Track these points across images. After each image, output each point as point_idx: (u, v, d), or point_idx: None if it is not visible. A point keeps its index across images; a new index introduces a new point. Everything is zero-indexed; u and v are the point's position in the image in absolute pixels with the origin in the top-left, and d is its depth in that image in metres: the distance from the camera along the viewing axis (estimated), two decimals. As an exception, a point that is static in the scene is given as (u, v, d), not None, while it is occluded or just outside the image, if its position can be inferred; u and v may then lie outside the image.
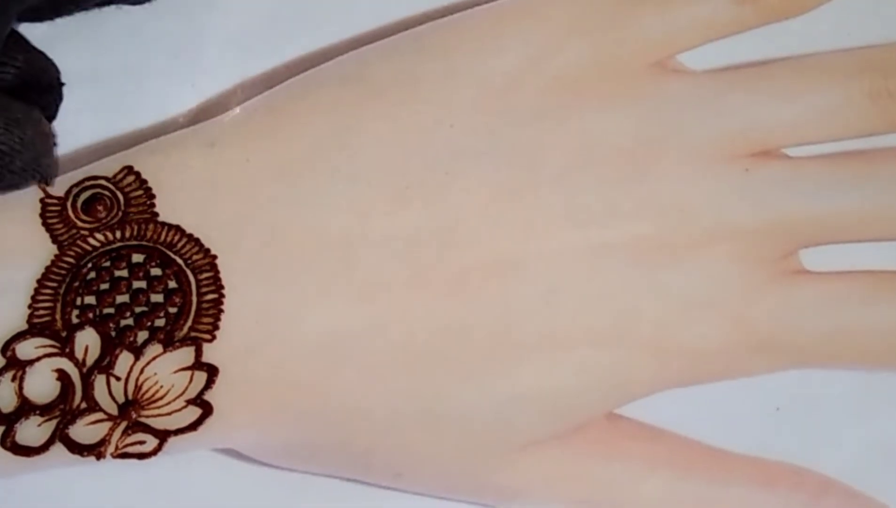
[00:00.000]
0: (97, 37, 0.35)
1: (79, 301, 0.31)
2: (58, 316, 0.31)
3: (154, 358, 0.31)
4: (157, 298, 0.31)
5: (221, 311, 0.31)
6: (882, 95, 0.34)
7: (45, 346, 0.31)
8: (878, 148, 0.35)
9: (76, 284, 0.31)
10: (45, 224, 0.32)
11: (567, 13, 0.34)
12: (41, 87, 0.30)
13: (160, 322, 0.31)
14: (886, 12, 0.37)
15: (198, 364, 0.31)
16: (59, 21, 0.33)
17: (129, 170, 0.32)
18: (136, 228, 0.32)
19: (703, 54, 0.35)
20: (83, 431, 0.31)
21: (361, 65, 0.34)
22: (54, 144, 0.31)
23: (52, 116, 0.31)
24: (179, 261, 0.32)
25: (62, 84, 0.31)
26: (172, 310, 0.31)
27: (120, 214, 0.32)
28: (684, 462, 0.35)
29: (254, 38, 0.37)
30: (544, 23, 0.34)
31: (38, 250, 0.31)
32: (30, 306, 0.31)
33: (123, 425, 0.31)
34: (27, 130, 0.29)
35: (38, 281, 0.31)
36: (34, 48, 0.31)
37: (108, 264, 0.31)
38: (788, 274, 0.34)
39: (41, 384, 0.31)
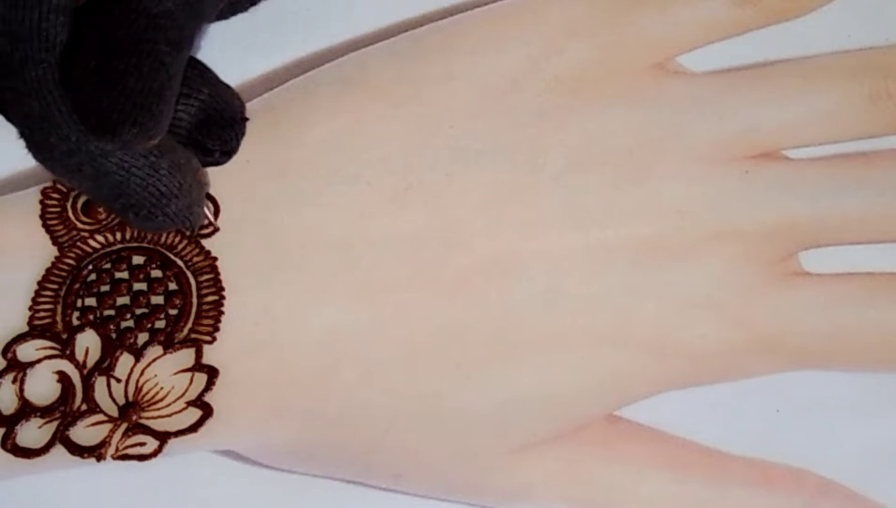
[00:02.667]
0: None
1: (79, 303, 0.31)
2: (58, 318, 0.31)
3: (154, 360, 0.31)
4: (157, 300, 0.31)
5: (222, 313, 0.31)
6: (882, 97, 0.34)
7: (45, 348, 0.31)
8: (877, 150, 0.35)
9: (76, 286, 0.31)
10: (45, 226, 0.32)
11: (567, 14, 0.34)
12: (224, 121, 0.30)
13: (160, 324, 0.31)
14: (887, 14, 0.37)
15: (198, 366, 0.31)
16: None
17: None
18: (136, 230, 0.32)
19: (703, 56, 0.35)
20: (83, 433, 0.31)
21: (361, 66, 0.34)
22: (207, 195, 0.31)
23: (232, 151, 0.31)
24: (180, 263, 0.32)
25: (245, 119, 0.31)
26: (173, 312, 0.31)
27: (120, 215, 0.32)
28: (684, 463, 0.35)
29: (254, 38, 0.37)
30: (544, 24, 0.34)
31: (38, 251, 0.32)
32: (30, 308, 0.31)
33: (124, 427, 0.31)
34: (187, 177, 0.30)
35: (39, 283, 0.31)
36: (219, 81, 0.31)
37: (108, 265, 0.32)
38: (788, 276, 0.34)
39: (42, 385, 0.31)
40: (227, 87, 0.31)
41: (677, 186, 0.33)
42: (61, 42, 0.27)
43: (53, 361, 0.31)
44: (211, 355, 0.31)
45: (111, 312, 0.31)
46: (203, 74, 0.30)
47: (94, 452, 0.31)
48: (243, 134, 0.31)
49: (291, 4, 0.37)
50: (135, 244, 0.32)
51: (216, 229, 0.32)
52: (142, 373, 0.31)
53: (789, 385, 0.35)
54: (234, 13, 0.32)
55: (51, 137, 0.28)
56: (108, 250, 0.32)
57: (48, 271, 0.31)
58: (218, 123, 0.30)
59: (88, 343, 0.31)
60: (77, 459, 0.31)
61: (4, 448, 0.31)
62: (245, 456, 0.34)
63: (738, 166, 0.34)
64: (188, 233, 0.32)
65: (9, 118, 0.28)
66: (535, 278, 0.33)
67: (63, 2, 0.27)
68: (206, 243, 0.32)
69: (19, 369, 0.31)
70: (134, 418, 0.31)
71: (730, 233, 0.33)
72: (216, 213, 0.32)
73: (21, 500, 0.34)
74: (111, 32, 0.27)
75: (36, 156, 0.28)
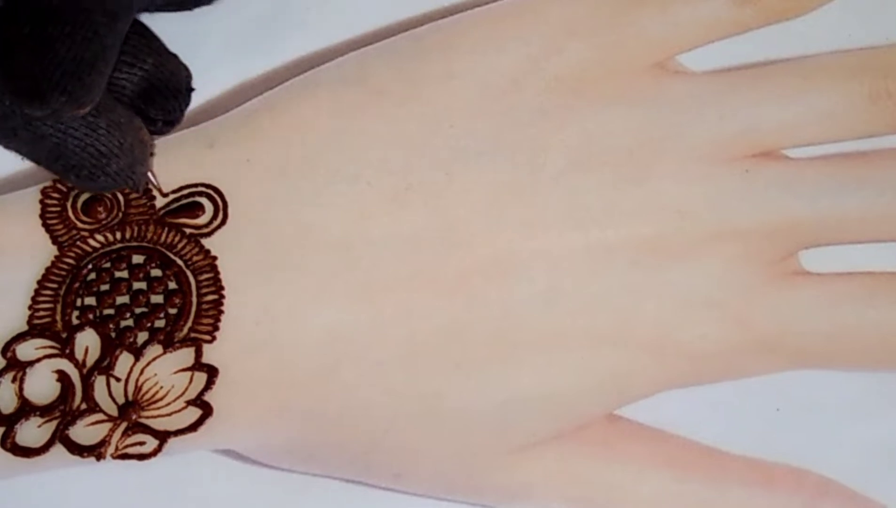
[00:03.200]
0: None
1: (79, 302, 0.31)
2: (58, 317, 0.31)
3: (154, 359, 0.31)
4: (157, 299, 0.31)
5: (221, 312, 0.31)
6: (882, 97, 0.34)
7: (45, 347, 0.31)
8: (878, 149, 0.35)
9: (76, 285, 0.31)
10: (45, 225, 0.32)
11: (567, 14, 0.34)
12: (168, 91, 0.30)
13: (160, 323, 0.31)
14: (887, 13, 0.37)
15: (198, 365, 0.31)
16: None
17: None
18: (136, 229, 0.32)
19: (703, 55, 0.35)
20: (83, 432, 0.31)
21: (361, 65, 0.34)
22: (151, 154, 0.31)
23: (175, 121, 0.31)
24: (179, 262, 0.32)
25: (191, 90, 0.31)
26: (172, 311, 0.31)
27: (120, 215, 0.32)
28: (684, 462, 0.35)
29: (254, 38, 0.37)
30: (544, 24, 0.34)
31: (38, 251, 0.32)
32: (30, 307, 0.31)
33: (123, 426, 0.31)
34: (127, 136, 0.29)
35: (39, 282, 0.31)
36: (166, 50, 0.31)
37: (108, 265, 0.32)
38: (788, 275, 0.34)
39: (41, 385, 0.31)
40: (174, 56, 0.31)
41: (677, 185, 0.33)
42: None
43: (53, 360, 0.31)
44: (211, 354, 0.31)
45: (111, 311, 0.31)
46: (150, 42, 0.30)
47: (94, 451, 0.31)
48: (187, 104, 0.31)
49: (292, 3, 0.37)
50: (135, 244, 0.32)
51: (165, 195, 0.32)
52: (141, 372, 0.31)
53: (789, 385, 0.35)
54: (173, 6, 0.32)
55: None
56: (108, 249, 0.32)
57: (48, 270, 0.31)
58: (161, 93, 0.30)
59: (88, 342, 0.31)
60: (77, 458, 0.31)
61: (4, 447, 0.31)
62: (245, 456, 0.34)
63: (738, 166, 0.34)
64: (134, 192, 0.31)
65: None
66: (535, 278, 0.33)
67: None
68: (205, 242, 0.32)
69: (19, 368, 0.31)
70: (134, 417, 0.31)
71: (730, 233, 0.33)
72: (224, 207, 0.32)
73: (21, 499, 0.34)
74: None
75: None
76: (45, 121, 0.28)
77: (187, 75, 0.31)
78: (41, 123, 0.28)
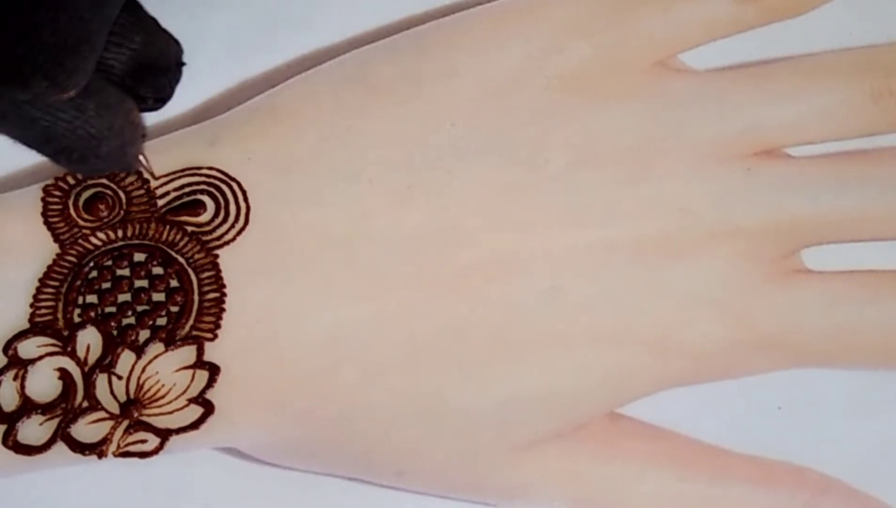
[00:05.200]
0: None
1: (80, 300, 0.31)
2: (59, 315, 0.31)
3: (156, 357, 0.31)
4: (158, 297, 0.31)
5: (223, 310, 0.31)
6: (883, 95, 0.34)
7: (46, 345, 0.31)
8: (879, 148, 0.35)
9: (78, 283, 0.31)
10: (46, 223, 0.32)
11: (569, 12, 0.34)
12: (157, 68, 0.30)
13: (162, 321, 0.31)
14: (887, 12, 0.37)
15: (199, 363, 0.31)
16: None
17: (130, 169, 0.32)
18: (137, 227, 0.32)
19: (704, 54, 0.35)
20: (85, 430, 0.31)
21: (363, 64, 0.34)
22: (143, 136, 0.30)
23: (166, 98, 0.30)
24: (181, 260, 0.32)
25: (182, 64, 0.30)
26: (174, 309, 0.31)
27: (122, 213, 0.32)
28: (685, 461, 0.35)
29: (254, 37, 0.37)
30: (546, 22, 0.34)
31: (39, 248, 0.32)
32: (31, 305, 0.31)
33: (125, 424, 0.31)
34: (118, 118, 0.29)
35: (40, 280, 0.31)
36: (156, 26, 0.30)
37: (109, 262, 0.31)
38: (790, 273, 0.34)
39: (43, 383, 0.31)
40: (164, 32, 0.30)
41: (679, 184, 0.33)
42: None
43: (55, 358, 0.31)
44: (212, 352, 0.31)
45: (112, 309, 0.31)
46: (139, 20, 0.29)
47: (96, 449, 0.31)
48: (178, 80, 0.30)
49: (293, 2, 0.37)
50: (136, 241, 0.32)
51: (156, 178, 0.32)
52: (143, 370, 0.31)
53: (791, 383, 0.35)
54: None
55: None
56: (110, 247, 0.32)
57: (49, 268, 0.31)
58: (151, 70, 0.30)
59: (90, 340, 0.31)
60: (78, 456, 0.31)
61: (6, 445, 0.31)
62: (246, 454, 0.34)
63: (740, 164, 0.34)
64: (126, 174, 0.31)
65: None
66: (537, 277, 0.33)
67: None
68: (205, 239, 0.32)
69: (20, 366, 0.31)
70: (135, 415, 0.31)
71: (732, 231, 0.33)
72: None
73: (22, 497, 0.34)
74: None
75: None
76: (35, 104, 0.28)
77: (178, 50, 0.30)
78: (30, 106, 0.28)
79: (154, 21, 0.30)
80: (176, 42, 0.30)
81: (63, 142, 0.28)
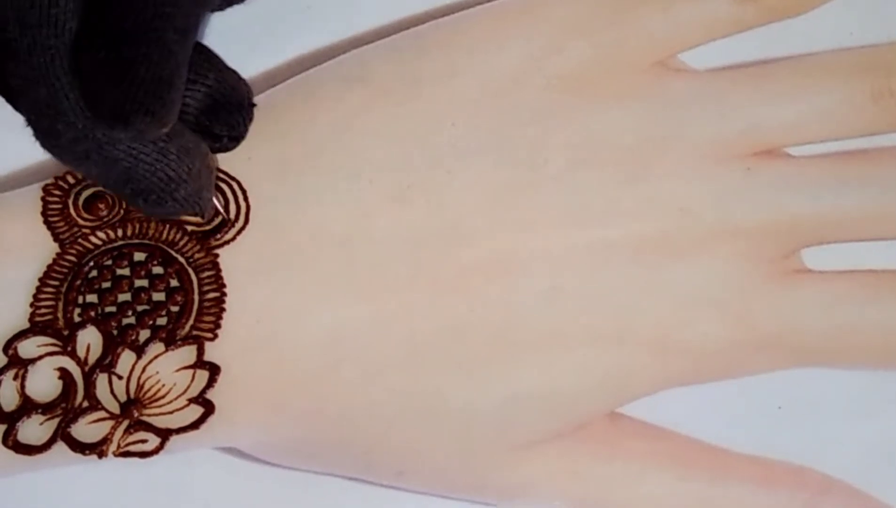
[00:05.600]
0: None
1: (80, 300, 0.31)
2: (59, 315, 0.31)
3: (156, 357, 0.31)
4: (158, 296, 0.31)
5: (223, 310, 0.31)
6: (884, 95, 0.34)
7: (46, 345, 0.31)
8: (879, 147, 0.35)
9: (78, 282, 0.31)
10: (46, 222, 0.32)
11: (569, 12, 0.34)
12: (231, 106, 0.30)
13: (162, 321, 0.31)
14: (887, 12, 0.37)
15: (200, 363, 0.31)
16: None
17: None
18: (137, 226, 0.32)
19: (704, 54, 0.35)
20: (85, 430, 0.31)
21: (363, 64, 0.34)
22: (216, 179, 0.31)
23: (240, 137, 0.31)
24: (181, 259, 0.32)
25: (253, 105, 0.31)
26: (174, 309, 0.31)
27: (121, 212, 0.32)
28: (686, 460, 0.35)
29: (255, 35, 0.37)
30: (546, 22, 0.34)
31: (39, 248, 0.31)
32: (31, 305, 0.31)
33: (125, 424, 0.31)
34: (196, 162, 0.29)
35: (40, 280, 0.31)
36: (225, 65, 0.30)
37: (109, 262, 0.31)
38: (790, 273, 0.34)
39: (43, 382, 0.31)
40: (233, 72, 0.31)
41: (679, 183, 0.33)
42: (70, 29, 0.27)
43: (55, 358, 0.31)
44: (212, 352, 0.31)
45: (112, 308, 0.31)
46: (209, 59, 0.30)
47: (96, 449, 0.31)
48: (251, 119, 0.31)
49: (293, 2, 0.37)
50: (136, 241, 0.32)
51: (227, 220, 0.32)
52: (143, 370, 0.31)
53: (791, 383, 0.35)
54: (230, 4, 0.32)
55: (58, 124, 0.28)
56: (110, 246, 0.32)
57: (49, 267, 0.31)
58: (225, 108, 0.30)
59: (90, 340, 0.31)
60: (78, 456, 0.31)
61: (6, 445, 0.31)
62: (246, 453, 0.34)
63: (740, 164, 0.34)
64: (199, 218, 0.32)
65: (16, 106, 0.28)
66: (537, 277, 0.33)
67: None
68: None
69: (21, 365, 0.31)
70: (135, 415, 0.31)
71: (731, 231, 0.33)
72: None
73: (22, 497, 0.34)
74: (119, 22, 0.27)
75: (43, 144, 0.28)
76: (118, 145, 0.28)
77: (248, 89, 0.31)
78: (114, 147, 0.28)
79: (221, 60, 0.30)
80: (245, 81, 0.31)
81: (142, 183, 0.29)
